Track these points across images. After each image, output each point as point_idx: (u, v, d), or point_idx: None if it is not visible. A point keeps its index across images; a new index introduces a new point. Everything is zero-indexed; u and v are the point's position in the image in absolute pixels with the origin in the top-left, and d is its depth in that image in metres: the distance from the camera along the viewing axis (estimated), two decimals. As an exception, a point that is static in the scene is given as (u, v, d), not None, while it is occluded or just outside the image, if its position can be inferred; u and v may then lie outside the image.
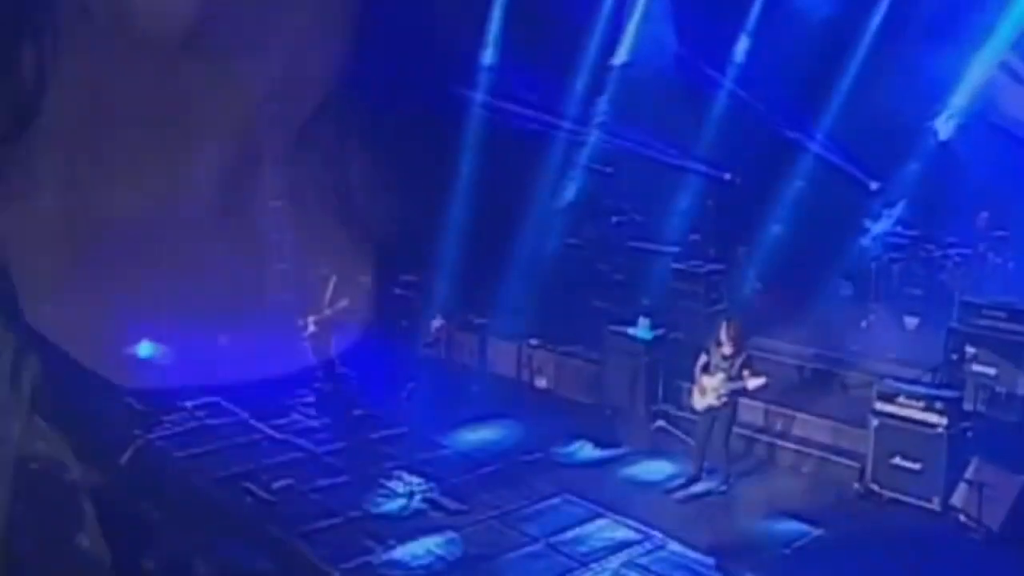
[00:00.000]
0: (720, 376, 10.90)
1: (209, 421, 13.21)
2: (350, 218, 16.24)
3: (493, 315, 14.92)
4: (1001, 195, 12.73)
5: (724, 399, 10.90)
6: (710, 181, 15.61)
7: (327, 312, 13.63)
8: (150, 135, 15.54)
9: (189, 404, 13.59)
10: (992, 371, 11.15)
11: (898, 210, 13.58)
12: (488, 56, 15.97)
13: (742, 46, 15.03)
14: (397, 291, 16.15)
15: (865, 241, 13.74)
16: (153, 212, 15.10)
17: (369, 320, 15.86)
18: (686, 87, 15.23)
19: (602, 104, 15.90)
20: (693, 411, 11.38)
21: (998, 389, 11.07)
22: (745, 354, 10.90)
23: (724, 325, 10.97)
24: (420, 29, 15.10)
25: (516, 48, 15.68)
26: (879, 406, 10.70)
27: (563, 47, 15.48)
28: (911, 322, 13.07)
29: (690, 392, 12.08)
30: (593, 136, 15.97)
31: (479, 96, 15.95)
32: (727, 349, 10.86)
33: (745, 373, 10.77)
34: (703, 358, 11.12)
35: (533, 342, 14.25)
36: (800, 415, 11.92)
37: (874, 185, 14.88)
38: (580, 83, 15.76)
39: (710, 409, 11.04)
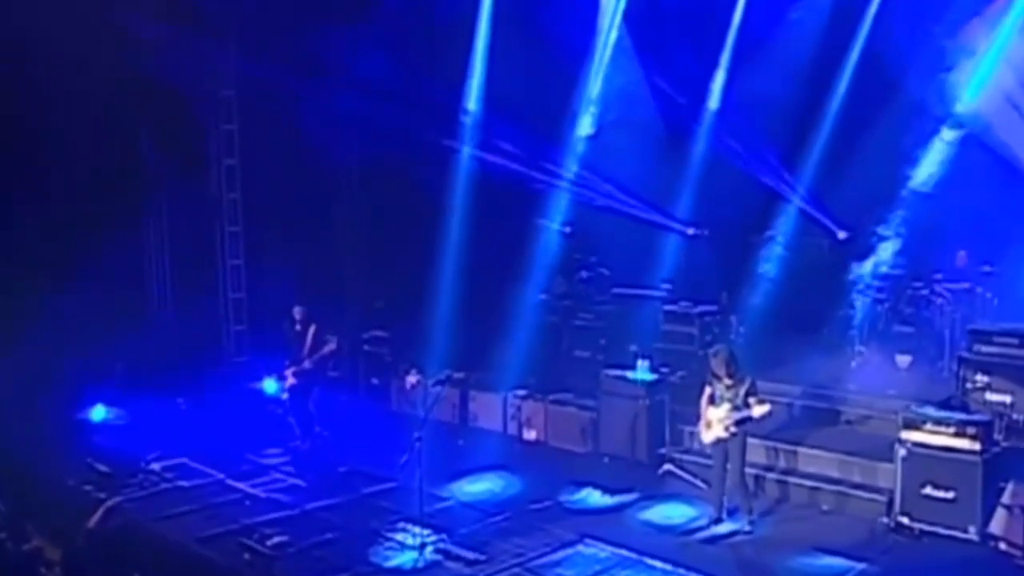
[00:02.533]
0: (726, 406, 10.26)
1: (181, 483, 11.89)
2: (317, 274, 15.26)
3: (472, 368, 14.02)
4: (983, 231, 12.48)
5: (732, 430, 10.24)
6: (681, 233, 15.26)
7: (307, 364, 12.56)
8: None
9: (156, 467, 12.29)
10: (1008, 399, 10.63)
11: (882, 251, 13.21)
12: (466, 108, 15.26)
13: (716, 96, 14.72)
14: (367, 347, 15.18)
15: (850, 284, 13.28)
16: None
17: (339, 378, 15.10)
18: (662, 138, 14.77)
19: (575, 159, 15.32)
20: (703, 447, 10.68)
21: (1015, 416, 10.55)
22: (749, 381, 10.28)
23: (713, 361, 10.36)
24: (396, 83, 14.42)
25: (494, 103, 15.07)
26: (905, 435, 10.02)
27: (539, 104, 14.78)
28: (904, 360, 12.60)
29: (696, 431, 11.37)
30: (566, 190, 15.33)
31: (456, 148, 15.16)
32: (727, 380, 10.26)
33: (751, 401, 10.17)
34: (708, 391, 10.48)
35: (520, 392, 13.34)
36: (806, 450, 11.25)
37: (842, 234, 14.74)
38: (554, 138, 15.15)
39: (719, 442, 10.36)
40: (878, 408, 11.78)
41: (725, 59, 14.59)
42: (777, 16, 13.97)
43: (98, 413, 14.08)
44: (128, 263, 15.53)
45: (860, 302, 13.24)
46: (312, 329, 12.68)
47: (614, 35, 15.31)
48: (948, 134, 12.73)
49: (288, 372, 12.69)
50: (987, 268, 12.57)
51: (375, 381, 14.91)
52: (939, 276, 12.78)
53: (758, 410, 10.06)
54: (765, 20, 14.12)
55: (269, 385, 14.08)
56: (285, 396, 13.18)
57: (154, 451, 12.69)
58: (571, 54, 15.16)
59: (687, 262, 14.83)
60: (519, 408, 13.23)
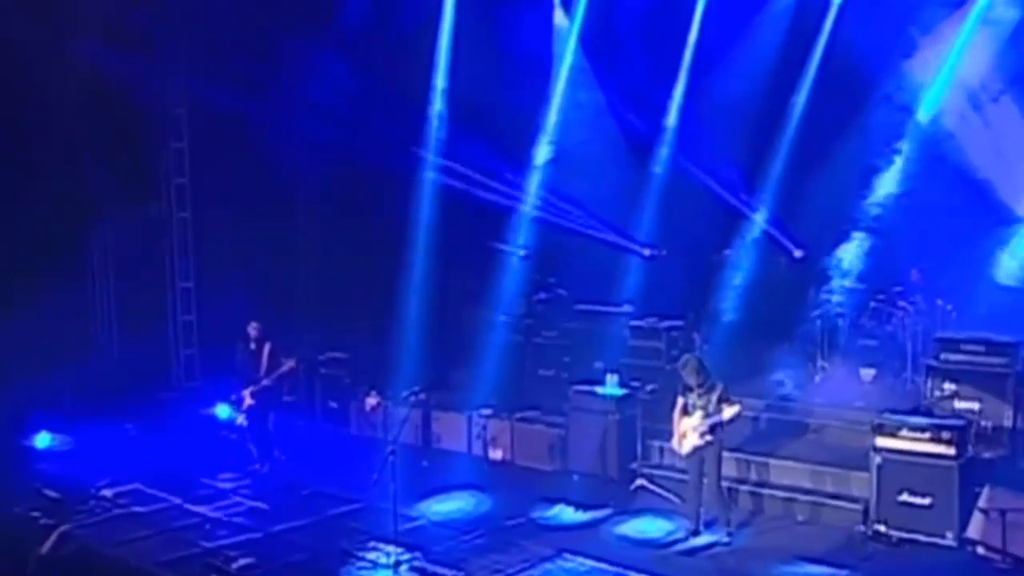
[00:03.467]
0: (699, 414, 10.15)
1: (136, 509, 11.38)
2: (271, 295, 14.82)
3: (434, 389, 13.66)
4: (941, 246, 12.61)
5: (707, 437, 10.13)
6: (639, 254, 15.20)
7: (265, 382, 12.20)
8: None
9: (108, 493, 11.75)
10: (975, 406, 10.72)
11: (842, 268, 13.26)
12: (426, 129, 15.04)
13: (674, 114, 14.68)
14: (324, 370, 14.65)
15: (811, 300, 13.30)
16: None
17: (295, 402, 14.64)
18: (622, 158, 14.74)
19: (535, 179, 15.19)
20: (679, 459, 10.53)
21: (983, 424, 10.62)
22: (720, 387, 10.20)
23: (683, 372, 10.29)
24: (354, 102, 14.28)
25: (455, 123, 14.93)
26: (880, 442, 9.99)
27: (500, 124, 14.75)
28: (868, 374, 12.58)
29: (663, 449, 11.55)
30: (526, 210, 15.15)
31: (416, 167, 14.92)
32: (698, 389, 10.18)
33: (722, 406, 10.08)
34: (680, 401, 10.37)
35: (485, 411, 13.02)
36: (777, 462, 11.18)
37: (798, 253, 14.82)
38: (515, 159, 15.01)
39: (696, 451, 10.23)
40: (846, 419, 11.78)
41: (682, 78, 14.59)
42: (734, 35, 14.07)
43: (43, 440, 13.50)
44: (73, 286, 15.02)
45: (821, 318, 13.31)
46: (268, 347, 12.35)
47: (570, 58, 15.47)
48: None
49: (246, 393, 12.29)
50: (939, 302, 12.54)
51: (333, 404, 14.42)
52: (899, 289, 12.85)
53: (728, 411, 9.98)
54: (722, 39, 14.21)
55: (222, 410, 13.68)
56: (241, 420, 12.81)
57: (105, 478, 12.17)
58: (531, 74, 15.10)
59: (647, 282, 14.73)
60: (484, 427, 12.91)
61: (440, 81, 14.94)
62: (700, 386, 10.09)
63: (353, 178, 14.90)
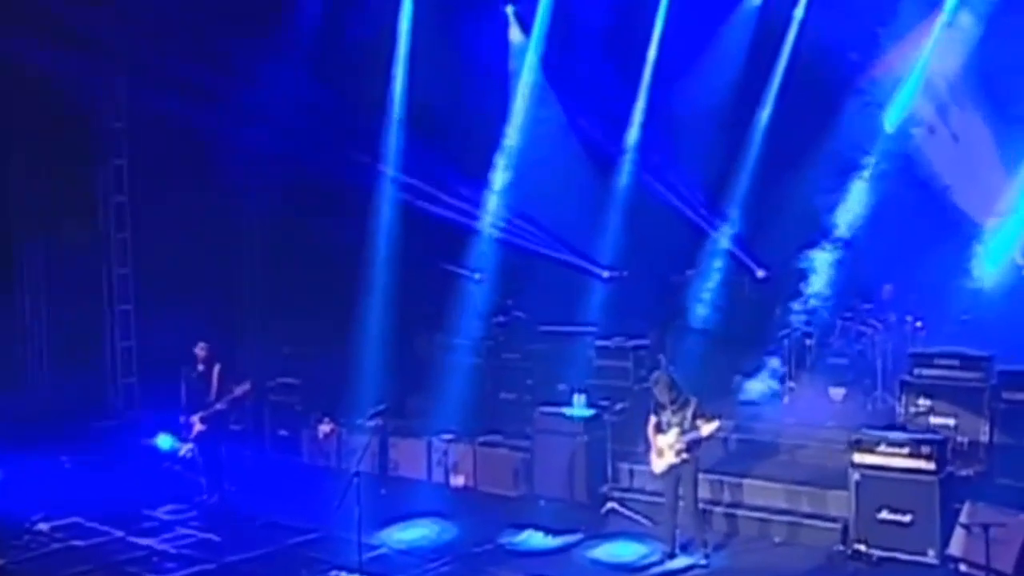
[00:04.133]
0: (675, 431, 10.12)
1: (76, 543, 10.98)
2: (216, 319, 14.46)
3: (391, 415, 13.37)
4: (910, 262, 12.84)
5: (683, 455, 10.10)
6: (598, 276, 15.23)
7: (217, 406, 11.87)
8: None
9: (44, 527, 11.32)
10: (951, 422, 10.85)
11: (809, 286, 13.43)
12: (382, 146, 14.98)
13: (635, 132, 14.85)
14: (273, 396, 14.35)
15: (778, 320, 13.47)
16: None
17: (243, 431, 14.28)
18: (584, 177, 14.82)
19: (494, 199, 15.23)
20: (654, 477, 10.46)
21: (959, 439, 10.76)
22: (694, 403, 10.19)
23: (655, 389, 10.28)
24: (306, 118, 14.15)
25: (411, 142, 14.90)
26: (858, 458, 10.05)
27: (458, 142, 14.97)
28: (837, 393, 12.75)
29: (634, 471, 11.59)
30: (483, 231, 15.17)
31: (370, 185, 14.81)
32: (671, 405, 10.16)
33: (698, 422, 10.08)
34: (653, 419, 10.33)
35: (445, 436, 12.86)
36: (751, 482, 11.21)
37: (760, 273, 15.01)
38: (473, 178, 15.05)
39: (671, 468, 10.19)
40: (819, 438, 11.86)
41: (643, 92, 14.77)
42: (697, 48, 14.30)
43: (-31, 473, 13.06)
44: (1, 311, 14.67)
45: (788, 337, 13.40)
46: (217, 368, 12.04)
47: (527, 74, 15.54)
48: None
49: (195, 418, 11.95)
50: (910, 318, 12.77)
51: (283, 432, 14.15)
52: (869, 306, 13.04)
53: (707, 428, 9.98)
54: (685, 52, 14.40)
55: (164, 441, 13.43)
56: (186, 451, 12.55)
57: (39, 512, 11.70)
58: (490, 90, 15.23)
59: (608, 304, 14.77)
60: (445, 452, 12.75)
61: (397, 96, 14.90)
62: (673, 403, 10.07)
63: (305, 195, 14.72)
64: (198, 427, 11.96)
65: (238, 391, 11.91)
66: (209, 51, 13.94)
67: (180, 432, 12.80)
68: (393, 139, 14.98)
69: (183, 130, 14.36)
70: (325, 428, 13.62)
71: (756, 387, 12.97)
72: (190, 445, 12.70)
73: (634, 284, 14.89)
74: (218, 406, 11.88)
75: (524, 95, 15.40)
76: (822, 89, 13.10)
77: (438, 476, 12.83)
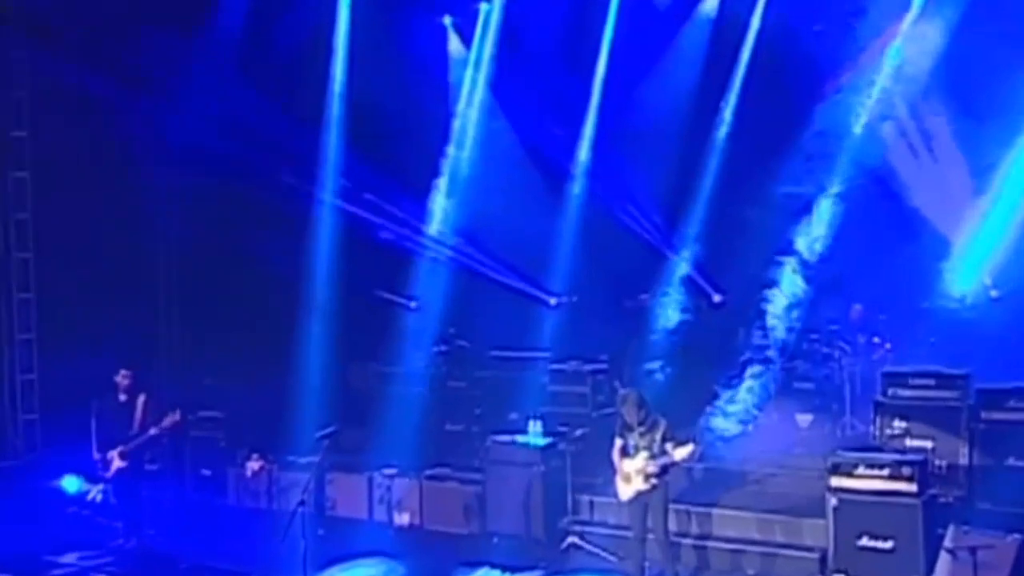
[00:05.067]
0: (643, 455, 10.09)
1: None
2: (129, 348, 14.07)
3: (326, 450, 13.29)
4: (877, 281, 13.13)
5: (652, 480, 10.07)
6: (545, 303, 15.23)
7: (141, 439, 11.59)
8: None
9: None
10: (929, 444, 10.98)
11: (770, 309, 13.61)
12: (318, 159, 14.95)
13: (585, 150, 15.02)
14: (194, 432, 13.91)
15: (741, 342, 13.64)
16: None
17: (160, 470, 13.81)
18: (534, 197, 14.89)
19: (435, 220, 15.38)
20: (620, 503, 10.39)
21: (938, 463, 10.91)
22: (663, 425, 10.17)
23: (622, 408, 10.26)
24: (239, 118, 13.93)
25: (350, 155, 14.90)
26: (836, 482, 10.10)
27: (398, 160, 14.98)
28: (804, 420, 12.92)
29: (594, 503, 11.61)
30: (424, 254, 15.26)
31: (304, 200, 14.77)
32: (639, 428, 10.14)
33: (668, 446, 10.05)
34: (618, 442, 10.30)
35: (388, 471, 12.69)
36: (721, 512, 11.26)
37: (717, 297, 15.17)
38: (413, 198, 15.20)
39: (639, 495, 10.14)
40: (789, 466, 12.03)
41: (594, 106, 14.96)
42: (650, 59, 14.55)
43: None
44: None
45: (751, 362, 13.54)
46: (142, 398, 11.79)
47: (468, 86, 15.66)
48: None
49: (114, 453, 11.62)
50: (882, 316, 13.17)
51: (206, 472, 13.81)
52: (835, 327, 13.26)
53: (681, 452, 9.93)
54: (637, 64, 14.65)
55: (70, 483, 13.17)
56: (96, 494, 12.42)
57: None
58: (433, 103, 15.34)
59: (557, 332, 14.77)
60: (388, 488, 12.57)
61: (334, 108, 14.89)
62: (641, 423, 10.02)
63: (231, 210, 14.55)
64: (117, 463, 11.64)
65: (167, 421, 11.65)
66: (122, 52, 13.78)
67: (90, 472, 12.55)
68: (331, 152, 14.92)
69: (93, 139, 14.20)
70: (254, 465, 13.37)
71: (719, 415, 13.07)
72: (100, 487, 12.53)
73: (585, 310, 14.97)
74: (142, 439, 11.58)
75: (467, 109, 15.58)
76: (784, 99, 13.38)
77: (381, 514, 12.62)
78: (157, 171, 14.57)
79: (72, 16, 13.55)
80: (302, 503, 9.34)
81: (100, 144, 14.19)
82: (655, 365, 14.04)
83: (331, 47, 15.03)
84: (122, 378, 11.80)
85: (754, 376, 13.41)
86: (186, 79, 14.07)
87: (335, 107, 14.94)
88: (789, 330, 13.47)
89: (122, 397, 11.80)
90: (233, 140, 14.06)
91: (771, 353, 13.54)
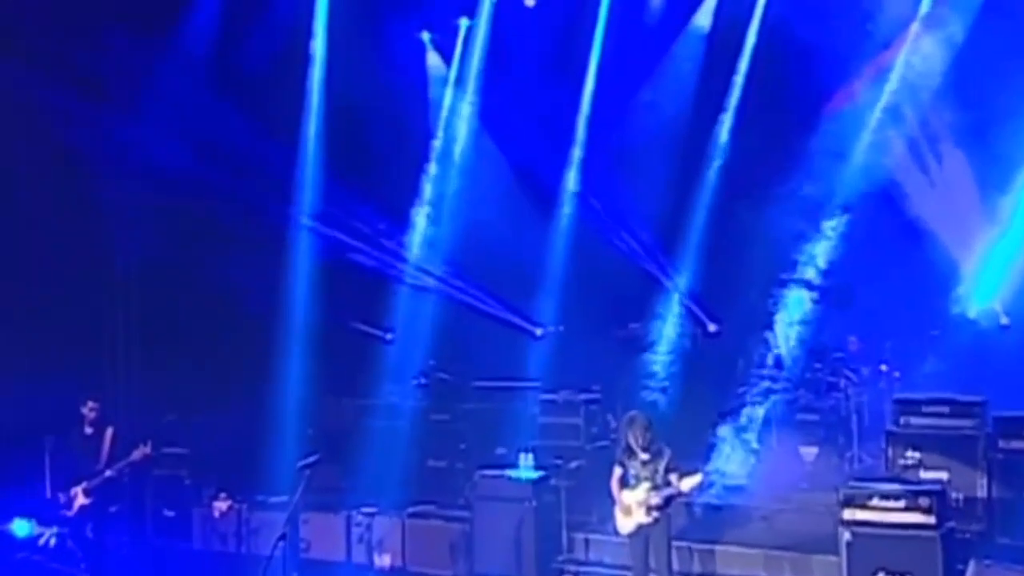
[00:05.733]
0: (644, 486, 9.96)
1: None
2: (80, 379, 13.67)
3: (299, 489, 13.06)
4: (882, 308, 13.17)
5: (654, 513, 9.94)
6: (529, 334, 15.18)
7: (107, 473, 11.42)
8: None
9: None
10: (944, 475, 10.95)
11: (771, 339, 13.62)
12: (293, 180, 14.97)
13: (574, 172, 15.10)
14: (156, 471, 13.66)
15: (740, 372, 13.60)
16: None
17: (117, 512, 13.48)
18: (516, 216, 14.89)
19: (414, 244, 15.41)
20: (620, 536, 10.24)
21: (954, 495, 10.87)
22: (668, 454, 10.06)
23: (628, 431, 10.12)
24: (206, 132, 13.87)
25: (329, 180, 14.88)
26: (848, 515, 10.00)
27: (375, 181, 15.01)
28: (809, 453, 12.85)
29: (590, 541, 11.48)
30: (402, 283, 15.26)
31: (277, 227, 14.75)
32: (643, 455, 10.01)
33: (672, 477, 9.95)
34: (618, 471, 10.18)
35: (367, 510, 12.54)
36: (724, 548, 11.15)
37: (712, 327, 15.16)
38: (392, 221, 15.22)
39: (640, 529, 10.01)
40: (794, 501, 11.98)
41: (582, 123, 15.08)
42: (642, 72, 14.67)
43: None
44: None
45: (750, 393, 13.50)
46: (110, 432, 11.69)
47: (450, 106, 15.72)
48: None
49: (78, 490, 11.45)
50: (884, 367, 13.19)
51: (169, 513, 13.62)
52: (840, 355, 13.28)
53: (688, 483, 9.85)
54: (627, 84, 14.77)
55: (20, 527, 12.54)
56: (49, 537, 11.96)
57: None
58: (413, 125, 15.44)
59: (543, 364, 14.69)
60: (368, 528, 12.42)
61: (312, 127, 14.92)
62: (646, 450, 9.90)
63: (195, 231, 14.30)
64: (81, 500, 11.48)
65: (136, 455, 11.51)
66: (79, 58, 13.49)
67: (42, 514, 12.18)
68: (306, 171, 14.92)
69: (44, 150, 13.90)
70: (221, 506, 13.18)
71: (719, 448, 13.00)
72: (54, 530, 12.13)
73: (572, 340, 14.88)
74: (107, 474, 11.42)
75: (448, 128, 15.68)
76: (785, 115, 13.50)
77: (360, 556, 12.46)
78: (117, 187, 14.30)
79: (24, 17, 13.40)
80: (283, 537, 9.14)
81: (51, 156, 13.90)
82: (652, 397, 14.04)
83: (306, 60, 15.09)
84: (89, 410, 11.72)
85: (754, 408, 13.38)
86: (150, 89, 14.01)
87: (312, 124, 14.99)
88: (792, 359, 13.47)
89: (88, 430, 11.73)
90: (200, 156, 14.01)
91: (772, 383, 13.48)
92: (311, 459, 9.90)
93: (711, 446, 13.09)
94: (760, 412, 13.32)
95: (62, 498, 11.62)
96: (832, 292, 13.30)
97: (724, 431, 13.27)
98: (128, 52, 13.65)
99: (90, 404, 11.74)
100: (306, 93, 15.18)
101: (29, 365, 13.70)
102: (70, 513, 11.58)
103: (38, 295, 14.29)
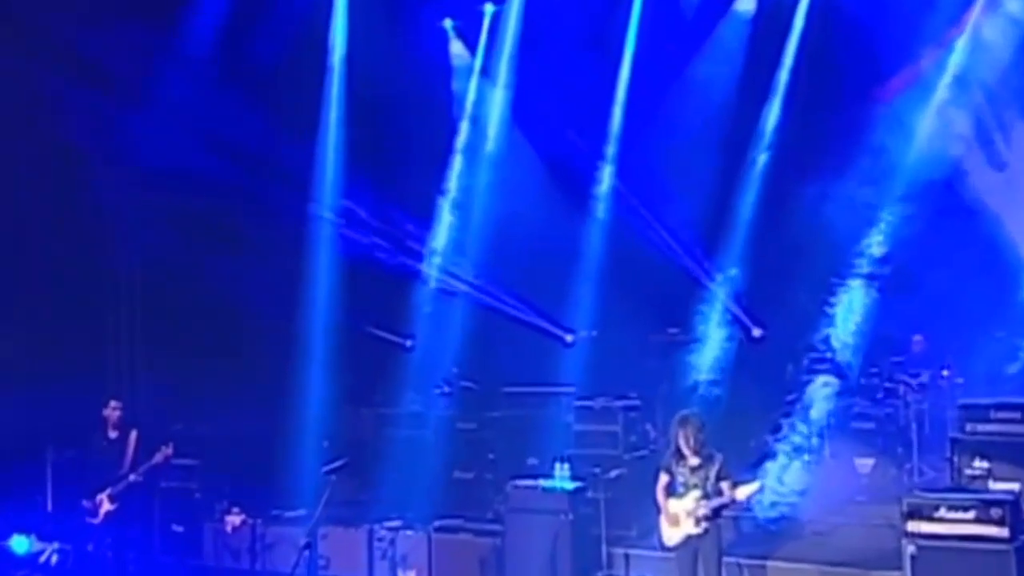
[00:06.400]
0: (694, 494, 9.77)
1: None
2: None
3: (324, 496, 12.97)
4: (944, 308, 12.96)
5: (704, 524, 9.74)
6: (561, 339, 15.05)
7: (132, 478, 11.52)
8: None
9: None
10: (1016, 486, 10.66)
11: (822, 343, 13.47)
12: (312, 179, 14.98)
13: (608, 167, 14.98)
14: (164, 483, 13.43)
15: (790, 378, 13.50)
16: None
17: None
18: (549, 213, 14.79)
19: (438, 246, 15.35)
20: (665, 550, 10.07)
21: (1028, 507, 10.70)
22: (719, 460, 9.85)
23: (679, 431, 9.88)
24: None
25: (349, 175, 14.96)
26: (913, 527, 9.76)
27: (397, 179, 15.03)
28: (864, 465, 12.69)
29: (630, 556, 11.34)
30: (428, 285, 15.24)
31: (295, 221, 14.77)
32: (693, 460, 9.81)
33: (724, 485, 9.73)
34: (664, 478, 10.00)
35: (391, 524, 12.41)
36: (777, 564, 10.94)
37: (757, 332, 14.99)
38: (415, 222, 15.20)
39: (688, 540, 9.81)
40: (850, 515, 11.82)
41: (618, 113, 14.96)
42: (685, 57, 14.57)
43: None
44: None
45: (800, 400, 13.32)
46: (134, 434, 11.82)
47: (474, 97, 15.63)
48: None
49: (103, 496, 11.54)
50: (946, 372, 12.93)
51: (178, 528, 13.46)
52: (899, 359, 13.15)
53: (744, 491, 9.66)
54: (665, 71, 14.65)
55: (19, 544, 12.80)
56: (50, 554, 12.34)
57: None
58: (436, 117, 15.37)
59: (574, 371, 14.53)
60: (391, 542, 12.24)
61: (331, 117, 14.91)
62: (697, 453, 9.71)
63: (206, 233, 14.34)
64: (106, 507, 11.55)
65: (158, 457, 11.61)
66: (80, 45, 13.52)
67: (42, 530, 12.47)
68: (325, 168, 14.91)
69: (43, 143, 13.95)
70: (234, 520, 13.09)
71: (767, 460, 12.82)
72: (55, 545, 12.44)
73: (606, 347, 14.72)
74: (132, 478, 11.55)
75: (473, 121, 15.61)
76: (837, 103, 13.33)
77: (383, 572, 12.29)
78: (122, 185, 14.41)
79: (27, 5, 13.47)
80: (308, 546, 9.03)
81: (51, 149, 13.97)
82: (693, 406, 13.87)
83: (324, 50, 15.07)
84: (112, 410, 11.81)
85: (805, 416, 13.25)
86: (156, 79, 14.04)
87: (331, 117, 15.00)
88: (845, 364, 13.34)
89: (112, 434, 11.80)
90: (211, 151, 13.97)
91: (824, 390, 13.31)
92: (337, 463, 9.81)
93: (760, 457, 12.99)
94: (814, 420, 13.16)
95: (87, 505, 11.68)
96: (892, 279, 13.13)
97: (773, 441, 13.19)
98: (135, 42, 13.66)
99: (113, 404, 11.83)
100: (324, 85, 15.17)
101: (28, 374, 13.76)
102: (96, 520, 11.65)
103: (37, 299, 14.40)
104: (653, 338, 15.00)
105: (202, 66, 14.25)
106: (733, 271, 14.56)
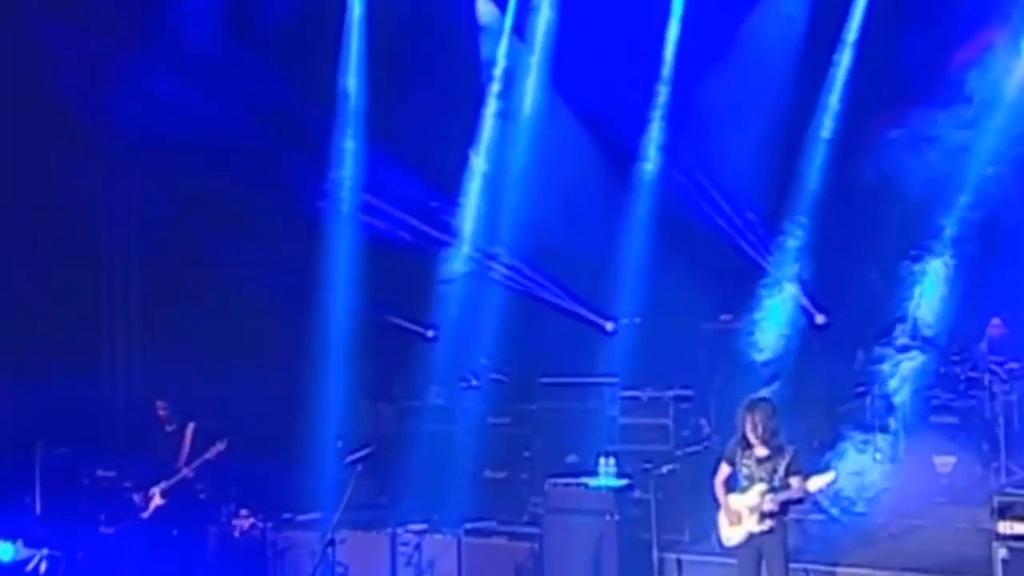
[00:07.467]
0: (759, 488, 9.55)
1: None
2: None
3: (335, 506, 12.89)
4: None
5: (769, 521, 9.53)
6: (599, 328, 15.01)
7: (185, 472, 12.06)
8: None
9: None
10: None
11: (899, 331, 13.28)
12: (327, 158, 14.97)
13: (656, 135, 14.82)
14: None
15: (859, 366, 13.36)
16: None
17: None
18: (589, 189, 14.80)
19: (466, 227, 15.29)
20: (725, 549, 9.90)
21: None
22: (791, 452, 9.61)
23: (747, 417, 9.66)
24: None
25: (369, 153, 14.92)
26: (1005, 528, 9.59)
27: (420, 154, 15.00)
28: (945, 463, 12.52)
29: (682, 562, 11.24)
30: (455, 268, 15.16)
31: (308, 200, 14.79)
32: (761, 450, 9.60)
33: (793, 480, 9.49)
34: (724, 469, 9.82)
35: (416, 527, 12.34)
36: (848, 571, 10.78)
37: (820, 318, 14.78)
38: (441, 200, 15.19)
39: (751, 539, 9.61)
40: (929, 517, 11.71)
41: (666, 85, 14.79)
42: (731, 33, 14.36)
43: None
44: None
45: (871, 392, 13.20)
46: (191, 427, 12.33)
47: (504, 63, 15.53)
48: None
49: (155, 490, 12.09)
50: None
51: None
52: (983, 346, 12.94)
53: (816, 482, 9.43)
54: (719, 37, 14.44)
55: (3, 551, 12.67)
56: (38, 562, 12.26)
57: None
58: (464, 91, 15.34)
59: (616, 362, 14.43)
60: (417, 547, 12.17)
61: (351, 85, 14.87)
62: (765, 443, 9.47)
63: (211, 212, 14.35)
64: (157, 502, 12.09)
65: (211, 452, 12.04)
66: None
67: (29, 535, 12.44)
68: (348, 142, 14.89)
69: (26, 114, 13.89)
70: (243, 523, 13.17)
71: (837, 456, 12.65)
72: (44, 552, 12.41)
73: (653, 335, 14.62)
74: (184, 473, 12.05)
75: (504, 87, 15.45)
76: (914, 63, 12.96)
77: (409, 577, 12.37)
78: (115, 155, 14.53)
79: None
80: (331, 543, 8.94)
81: (40, 110, 13.92)
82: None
83: (341, 8, 15.01)
84: (160, 409, 12.41)
85: (878, 410, 13.15)
86: (158, 34, 14.04)
87: (350, 82, 14.95)
88: (923, 351, 13.13)
89: (169, 427, 12.37)
90: (217, 118, 13.94)
91: (897, 382, 13.18)
92: (362, 452, 9.76)
93: (827, 456, 12.84)
94: (889, 413, 13.05)
95: (137, 499, 12.28)
96: (969, 272, 12.93)
97: (842, 437, 12.99)
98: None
99: (160, 403, 12.39)
100: (341, 47, 15.13)
101: (13, 364, 13.93)
102: (145, 515, 12.20)
103: (26, 287, 14.39)
104: (704, 326, 14.89)
105: (211, 24, 14.20)
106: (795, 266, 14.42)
